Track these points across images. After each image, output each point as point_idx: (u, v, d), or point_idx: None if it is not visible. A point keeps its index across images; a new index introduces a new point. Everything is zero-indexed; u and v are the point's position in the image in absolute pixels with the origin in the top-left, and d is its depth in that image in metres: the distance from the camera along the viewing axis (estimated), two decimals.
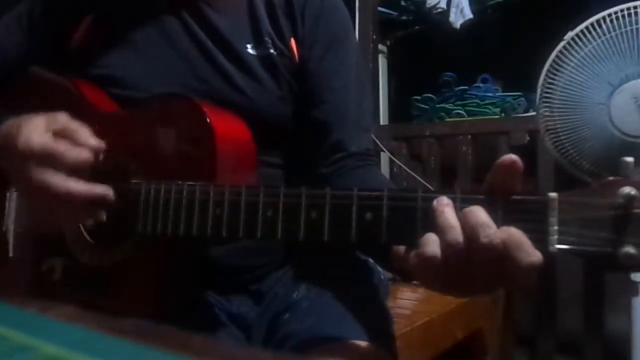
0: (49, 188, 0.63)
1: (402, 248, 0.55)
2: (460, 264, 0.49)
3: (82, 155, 0.64)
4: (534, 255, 0.47)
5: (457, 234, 0.49)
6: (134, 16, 0.82)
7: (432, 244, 0.50)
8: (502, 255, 0.47)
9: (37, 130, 0.64)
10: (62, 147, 0.63)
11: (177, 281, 0.70)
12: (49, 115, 0.66)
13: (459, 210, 0.50)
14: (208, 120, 0.66)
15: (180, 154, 0.69)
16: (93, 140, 0.66)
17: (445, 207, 0.50)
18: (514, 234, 0.47)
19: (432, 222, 0.51)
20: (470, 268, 0.49)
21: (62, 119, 0.66)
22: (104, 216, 0.67)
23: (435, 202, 0.50)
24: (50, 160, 0.63)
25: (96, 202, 0.65)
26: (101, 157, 0.67)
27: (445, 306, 1.33)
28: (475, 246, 0.48)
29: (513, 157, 0.50)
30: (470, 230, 0.48)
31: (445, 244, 0.49)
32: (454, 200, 0.51)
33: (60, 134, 0.65)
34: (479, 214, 0.49)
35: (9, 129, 0.67)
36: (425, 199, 0.52)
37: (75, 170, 0.64)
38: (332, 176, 0.79)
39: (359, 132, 0.83)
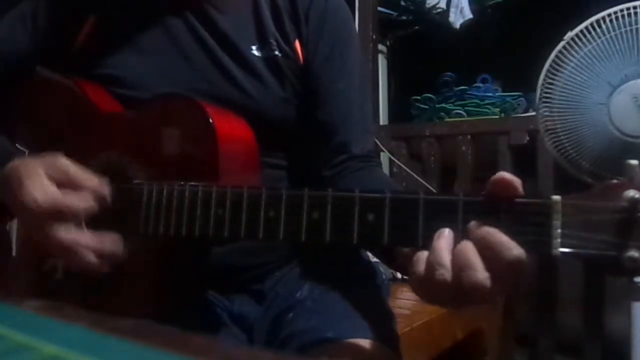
0: (59, 243, 0.63)
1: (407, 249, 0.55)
2: (448, 292, 0.50)
3: (88, 203, 0.64)
4: (515, 249, 0.47)
5: (445, 272, 0.49)
6: (138, 17, 0.82)
7: (420, 264, 0.51)
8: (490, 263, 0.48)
9: (39, 183, 0.63)
10: (69, 201, 0.63)
11: (178, 281, 0.70)
12: (47, 163, 0.64)
13: (460, 219, 0.51)
14: (210, 120, 0.66)
15: (183, 154, 0.69)
16: (96, 183, 0.64)
17: (441, 241, 0.50)
18: (489, 234, 0.48)
19: (434, 224, 0.51)
20: (458, 293, 0.50)
21: (62, 164, 0.65)
22: (107, 268, 0.65)
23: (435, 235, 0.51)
24: (58, 215, 0.62)
25: (104, 254, 0.65)
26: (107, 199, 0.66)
27: None
28: (462, 284, 0.49)
29: (507, 177, 0.50)
30: (457, 269, 0.49)
31: (434, 279, 0.50)
32: (456, 203, 0.51)
33: (62, 182, 0.64)
34: (467, 254, 0.49)
35: (9, 181, 0.65)
36: (428, 201, 0.52)
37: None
38: (335, 178, 0.79)
39: (362, 133, 0.83)
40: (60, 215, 0.62)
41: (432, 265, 0.50)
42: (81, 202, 0.63)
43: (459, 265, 0.49)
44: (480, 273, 0.48)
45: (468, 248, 0.49)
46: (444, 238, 0.50)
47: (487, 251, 0.48)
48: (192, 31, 0.81)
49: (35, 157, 0.66)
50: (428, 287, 0.51)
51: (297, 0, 0.83)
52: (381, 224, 0.53)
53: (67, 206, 0.62)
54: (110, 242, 0.64)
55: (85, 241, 0.63)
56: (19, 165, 0.66)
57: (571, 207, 0.47)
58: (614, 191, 0.47)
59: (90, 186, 0.64)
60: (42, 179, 0.63)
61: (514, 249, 0.48)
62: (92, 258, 0.63)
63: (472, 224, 0.50)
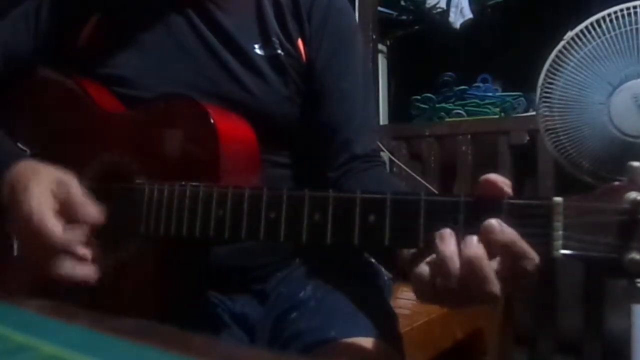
0: (54, 271, 0.63)
1: (407, 251, 0.55)
2: (452, 288, 0.50)
3: (76, 238, 0.63)
4: (535, 258, 0.47)
5: (454, 279, 0.49)
6: (141, 15, 0.82)
7: (425, 273, 0.51)
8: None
9: (41, 196, 0.63)
10: (70, 239, 0.63)
11: (180, 281, 0.70)
12: (56, 178, 0.65)
13: (462, 220, 0.50)
14: (212, 120, 0.66)
15: (184, 155, 0.69)
16: (92, 216, 0.64)
17: (445, 245, 0.50)
18: (513, 242, 0.48)
19: (435, 225, 0.51)
20: (465, 290, 0.49)
21: (68, 186, 0.64)
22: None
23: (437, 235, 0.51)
24: (59, 249, 0.63)
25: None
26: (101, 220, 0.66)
27: None
28: (471, 291, 0.48)
29: (493, 178, 0.50)
30: (468, 279, 0.48)
31: (440, 287, 0.50)
32: (457, 204, 0.51)
33: (62, 202, 0.64)
34: (481, 267, 0.48)
35: (15, 180, 0.66)
36: (429, 202, 0.52)
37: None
38: (340, 179, 0.79)
39: (365, 132, 0.83)
40: (62, 249, 0.62)
41: (439, 271, 0.49)
42: (72, 235, 0.63)
43: (470, 275, 0.48)
44: (494, 286, 0.48)
45: (480, 258, 0.48)
46: (448, 242, 0.50)
47: (506, 256, 0.48)
48: (194, 30, 0.81)
49: (48, 165, 0.67)
50: (434, 293, 0.51)
51: None
52: (382, 225, 0.53)
53: (67, 245, 0.62)
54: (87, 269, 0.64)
55: (82, 276, 0.64)
56: (29, 168, 0.66)
57: (573, 209, 0.47)
58: (616, 193, 0.46)
59: (85, 219, 0.63)
60: (45, 193, 0.63)
61: (535, 259, 0.48)
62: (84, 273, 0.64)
63: (469, 224, 0.49)
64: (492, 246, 0.48)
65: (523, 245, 0.48)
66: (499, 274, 0.48)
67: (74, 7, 0.84)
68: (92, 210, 0.64)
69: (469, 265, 0.48)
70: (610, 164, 1.21)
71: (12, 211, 0.65)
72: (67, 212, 0.63)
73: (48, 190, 0.64)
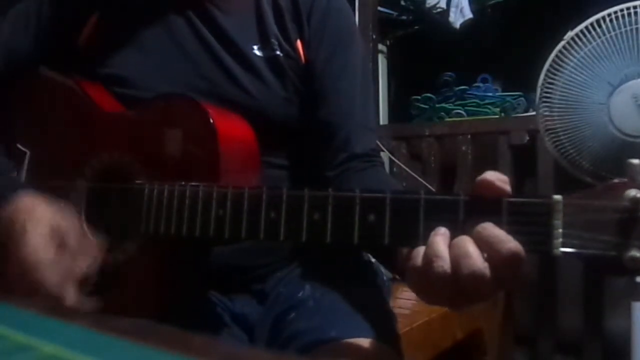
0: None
1: (406, 250, 0.55)
2: (447, 286, 0.50)
3: (76, 279, 0.63)
4: (511, 242, 0.48)
5: (444, 263, 0.49)
6: (140, 16, 0.82)
7: (418, 258, 0.51)
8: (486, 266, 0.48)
9: (38, 244, 0.62)
10: (61, 283, 0.62)
11: (180, 281, 0.70)
12: (55, 220, 0.64)
13: (461, 219, 0.51)
14: (211, 120, 0.66)
15: (184, 154, 0.69)
16: (88, 261, 0.64)
17: (437, 235, 0.51)
18: (484, 228, 0.49)
19: (435, 224, 0.51)
20: (456, 288, 0.50)
21: (67, 230, 0.64)
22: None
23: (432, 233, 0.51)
24: (49, 293, 0.62)
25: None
26: None
27: None
28: (460, 275, 0.49)
29: (489, 179, 0.51)
30: (455, 259, 0.49)
31: (432, 272, 0.50)
32: (457, 203, 0.51)
33: (60, 244, 0.63)
34: (464, 245, 0.49)
35: (13, 221, 0.64)
36: (428, 201, 0.52)
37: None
38: (338, 178, 0.79)
39: (364, 132, 0.83)
40: (39, 287, 0.61)
41: (430, 257, 0.50)
42: (63, 280, 0.62)
43: (457, 255, 0.49)
44: (479, 261, 0.48)
45: (465, 239, 0.49)
46: (440, 234, 0.51)
47: (484, 245, 0.49)
48: (194, 31, 0.81)
49: (45, 204, 0.65)
50: (426, 281, 0.51)
51: (299, 1, 0.83)
52: (382, 224, 0.53)
53: (46, 286, 0.61)
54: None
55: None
56: (27, 208, 0.65)
57: (572, 207, 0.47)
58: (616, 190, 0.46)
59: (78, 266, 0.63)
60: (41, 238, 0.62)
61: (510, 242, 0.48)
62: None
63: (469, 223, 0.50)
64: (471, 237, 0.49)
65: (495, 230, 0.48)
66: (490, 268, 0.49)
67: (74, 7, 0.84)
68: (86, 256, 0.64)
69: (457, 263, 0.49)
70: (611, 164, 1.21)
71: (6, 250, 0.64)
72: (61, 254, 0.63)
73: (44, 234, 0.63)
